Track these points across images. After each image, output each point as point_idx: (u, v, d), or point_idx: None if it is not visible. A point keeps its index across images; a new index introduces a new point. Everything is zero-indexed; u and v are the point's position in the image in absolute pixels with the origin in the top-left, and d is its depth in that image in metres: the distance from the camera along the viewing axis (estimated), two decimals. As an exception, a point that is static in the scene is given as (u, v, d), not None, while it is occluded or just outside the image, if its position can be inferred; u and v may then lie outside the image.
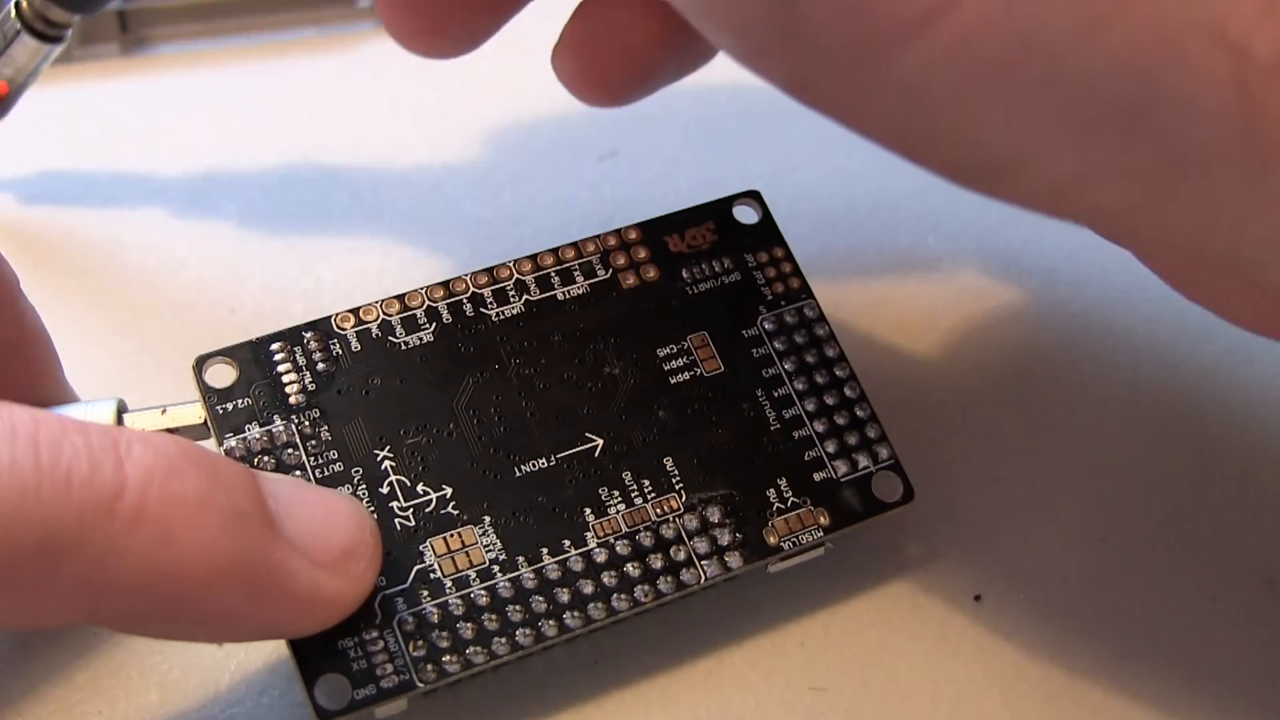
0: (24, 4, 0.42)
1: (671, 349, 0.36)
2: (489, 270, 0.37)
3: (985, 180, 0.29)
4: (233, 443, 0.34)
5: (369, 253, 0.45)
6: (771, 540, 0.34)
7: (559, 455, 0.35)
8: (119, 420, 0.33)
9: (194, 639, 0.32)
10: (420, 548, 0.33)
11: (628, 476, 0.35)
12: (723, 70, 0.48)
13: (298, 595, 0.30)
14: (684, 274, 0.37)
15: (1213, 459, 0.40)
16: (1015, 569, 0.38)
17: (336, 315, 0.35)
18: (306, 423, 0.34)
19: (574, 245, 0.37)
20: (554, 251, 0.37)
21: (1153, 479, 0.39)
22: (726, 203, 0.38)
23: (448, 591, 0.33)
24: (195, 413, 0.34)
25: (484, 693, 0.35)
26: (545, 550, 0.34)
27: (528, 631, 0.33)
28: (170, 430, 0.34)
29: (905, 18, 0.25)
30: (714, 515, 0.34)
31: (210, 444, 0.34)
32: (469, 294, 0.36)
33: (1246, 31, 0.24)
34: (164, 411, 0.34)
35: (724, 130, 0.48)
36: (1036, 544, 0.38)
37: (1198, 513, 0.39)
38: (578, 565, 0.34)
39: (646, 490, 0.35)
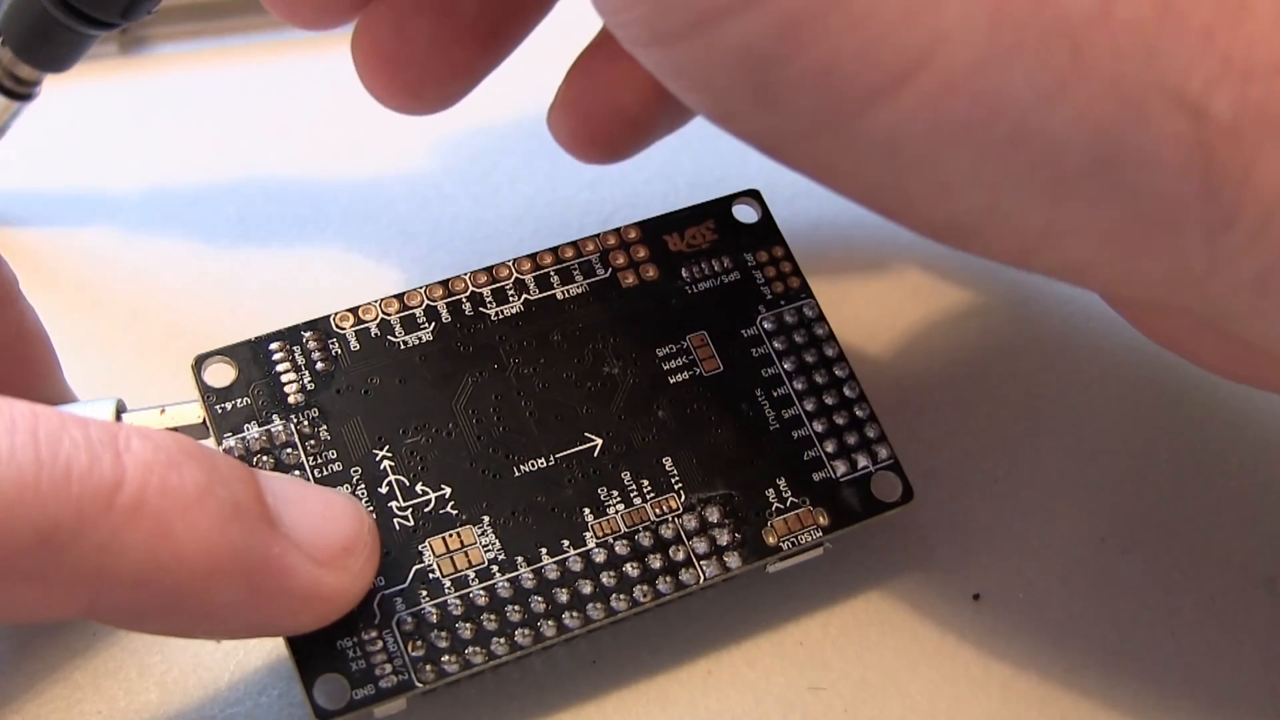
0: None
1: (671, 348, 0.36)
2: (488, 269, 0.37)
3: (956, 237, 0.29)
4: (231, 442, 0.34)
5: (367, 252, 0.45)
6: (770, 540, 0.34)
7: (558, 455, 0.35)
8: (118, 420, 0.33)
9: (192, 635, 0.32)
10: (419, 547, 0.33)
11: (627, 476, 0.35)
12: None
13: (296, 591, 0.30)
14: (683, 273, 0.37)
15: (1212, 458, 0.40)
16: (1014, 568, 0.38)
17: (336, 314, 0.35)
18: (305, 422, 0.34)
19: (573, 244, 0.37)
20: (553, 251, 0.37)
21: (1152, 479, 0.40)
22: (726, 202, 0.38)
23: (446, 591, 0.33)
24: (194, 412, 0.34)
25: (483, 693, 0.35)
26: (544, 550, 0.34)
27: (526, 632, 0.33)
28: (169, 430, 0.34)
29: (873, 82, 0.26)
30: (713, 515, 0.34)
31: (209, 444, 0.34)
32: (468, 293, 0.36)
33: (1205, 91, 0.25)
34: (163, 411, 0.34)
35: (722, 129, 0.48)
36: (1036, 544, 0.38)
37: (1198, 513, 0.39)
38: (576, 565, 0.33)
39: (645, 490, 0.35)
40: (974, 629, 0.37)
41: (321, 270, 0.44)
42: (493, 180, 0.47)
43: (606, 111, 0.38)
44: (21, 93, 0.42)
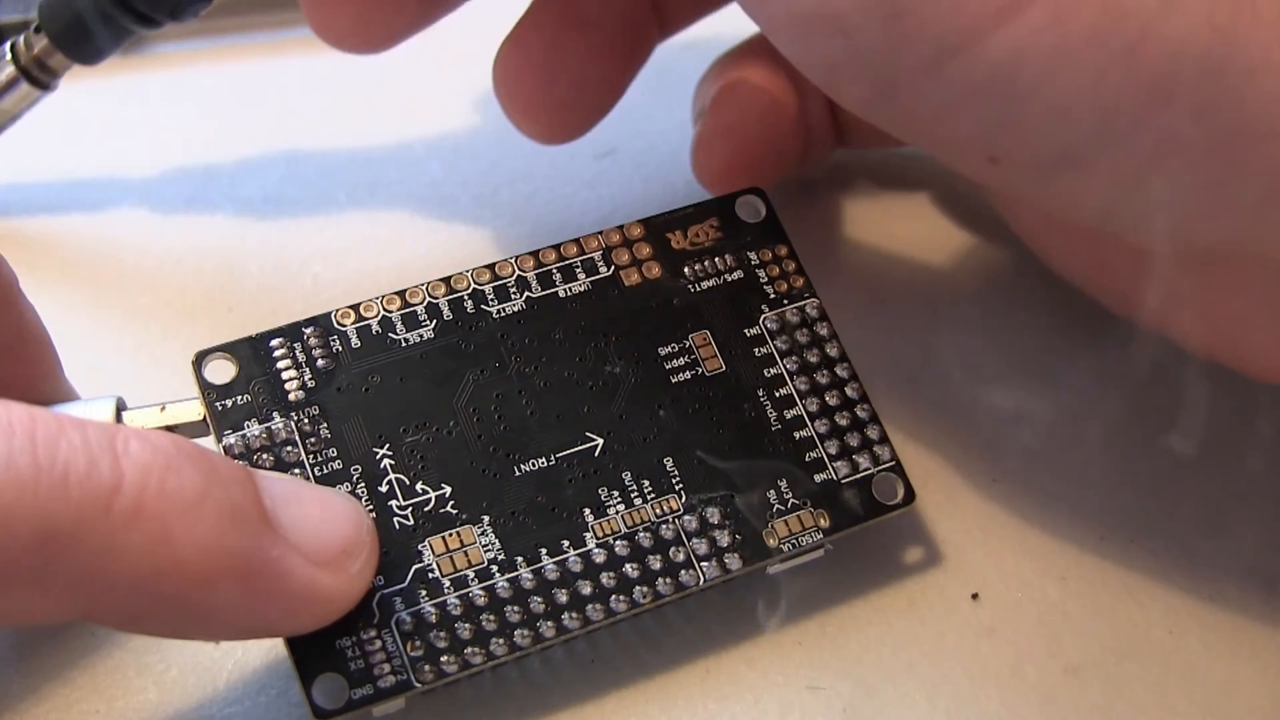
0: (21, 47, 0.41)
1: (673, 347, 0.36)
2: (490, 266, 0.36)
3: (1059, 175, 0.30)
4: (231, 439, 0.33)
5: (366, 251, 0.45)
6: (771, 542, 0.34)
7: (559, 455, 0.35)
8: (118, 418, 0.33)
9: (191, 637, 0.32)
10: (419, 547, 0.33)
11: (627, 476, 0.35)
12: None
13: (294, 593, 0.30)
14: (686, 271, 0.37)
15: (1212, 459, 0.40)
16: (1013, 568, 0.38)
17: (337, 311, 0.35)
18: (306, 420, 0.34)
19: (576, 241, 0.37)
20: (556, 248, 0.37)
21: (1151, 478, 0.39)
22: (730, 200, 0.38)
23: (446, 591, 0.33)
24: (194, 410, 0.34)
25: (482, 692, 0.35)
26: (544, 551, 0.34)
27: (525, 632, 0.33)
28: (169, 427, 0.34)
29: None
30: (713, 516, 0.34)
31: (209, 441, 0.33)
32: (470, 290, 0.36)
33: None
34: (163, 409, 0.34)
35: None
36: (1034, 543, 0.38)
37: (1198, 513, 0.39)
38: (576, 566, 0.33)
39: (646, 491, 0.34)
40: (973, 628, 0.37)
41: (321, 269, 0.44)
42: (491, 179, 0.47)
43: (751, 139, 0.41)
44: (44, 81, 0.41)
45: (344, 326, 0.35)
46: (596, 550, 0.34)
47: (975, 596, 0.37)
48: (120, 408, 0.34)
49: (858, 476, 0.35)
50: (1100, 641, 0.36)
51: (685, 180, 0.45)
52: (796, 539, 0.35)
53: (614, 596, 0.33)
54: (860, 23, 0.29)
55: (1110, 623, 0.37)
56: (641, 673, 0.36)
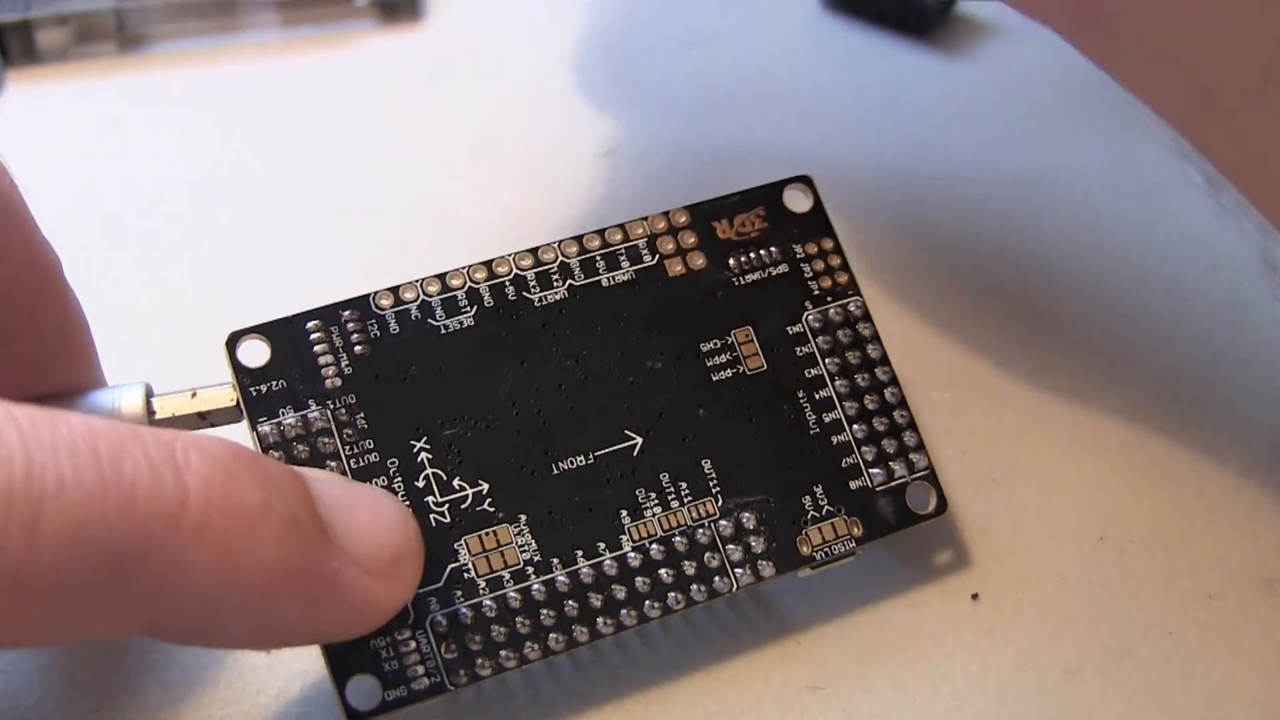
0: None
1: (715, 343, 0.35)
2: (533, 251, 0.35)
3: None
4: (266, 428, 0.32)
5: (367, 251, 0.44)
6: (804, 550, 0.34)
7: (597, 453, 0.34)
8: (147, 404, 0.32)
9: (248, 648, 0.31)
10: (455, 546, 0.32)
11: (665, 478, 0.34)
12: (720, 66, 0.47)
13: (350, 603, 0.29)
14: (731, 263, 0.36)
15: (1212, 458, 0.40)
16: (1012, 567, 0.38)
17: (376, 293, 0.34)
18: (342, 409, 0.33)
19: (621, 227, 0.36)
20: (600, 233, 0.36)
21: (1151, 478, 0.40)
22: (778, 187, 0.37)
23: (481, 593, 0.32)
24: (227, 395, 0.33)
25: (481, 690, 0.35)
26: (580, 553, 0.33)
27: (559, 637, 0.32)
28: (201, 414, 0.33)
29: None
30: (749, 522, 0.34)
31: (242, 427, 0.32)
32: (511, 276, 0.35)
33: None
34: (194, 395, 0.33)
35: (722, 128, 0.48)
36: (1034, 543, 0.38)
37: (1196, 512, 0.39)
38: (612, 570, 0.33)
39: (683, 493, 0.34)
40: (972, 628, 0.37)
41: (320, 269, 0.44)
42: (491, 179, 0.46)
43: None
44: None
45: (383, 310, 0.34)
46: (632, 554, 0.33)
47: (975, 596, 0.37)
48: (149, 394, 0.32)
49: (893, 484, 0.35)
50: (1100, 641, 0.36)
51: (685, 180, 0.46)
52: (829, 547, 0.34)
53: (647, 601, 0.33)
54: None
55: (1110, 623, 0.37)
56: (642, 672, 0.35)
